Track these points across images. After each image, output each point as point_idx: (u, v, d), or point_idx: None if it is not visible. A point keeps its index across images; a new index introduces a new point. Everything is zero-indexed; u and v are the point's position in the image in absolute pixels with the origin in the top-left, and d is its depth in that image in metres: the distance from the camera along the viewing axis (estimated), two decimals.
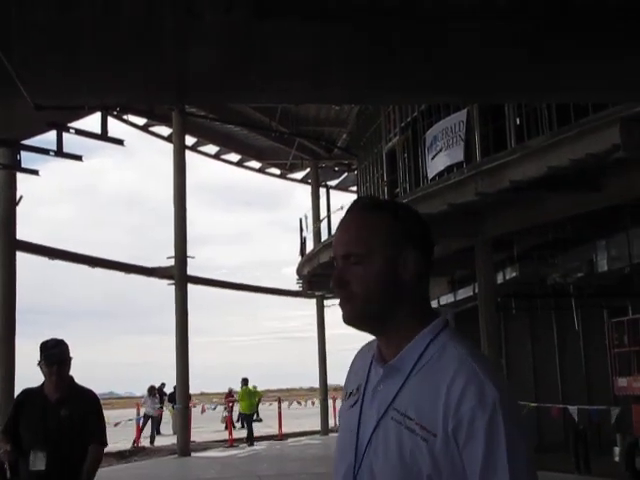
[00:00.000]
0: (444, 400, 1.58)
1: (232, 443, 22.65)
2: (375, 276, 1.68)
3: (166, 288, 20.11)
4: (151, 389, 26.54)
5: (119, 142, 14.93)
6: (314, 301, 26.97)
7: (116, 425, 21.79)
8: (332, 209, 26.66)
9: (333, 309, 25.73)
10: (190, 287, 20.49)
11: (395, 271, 1.70)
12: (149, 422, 25.27)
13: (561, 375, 19.01)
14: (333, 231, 21.95)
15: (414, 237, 1.75)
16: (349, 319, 1.72)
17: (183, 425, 20.25)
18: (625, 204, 11.91)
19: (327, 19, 3.84)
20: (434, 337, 1.69)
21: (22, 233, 15.54)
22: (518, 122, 15.04)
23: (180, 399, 20.46)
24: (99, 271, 19.79)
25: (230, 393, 26.10)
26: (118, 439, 24.42)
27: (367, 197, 1.78)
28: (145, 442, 24.12)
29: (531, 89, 5.50)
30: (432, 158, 17.95)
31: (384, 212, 1.75)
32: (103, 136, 14.41)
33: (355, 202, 1.80)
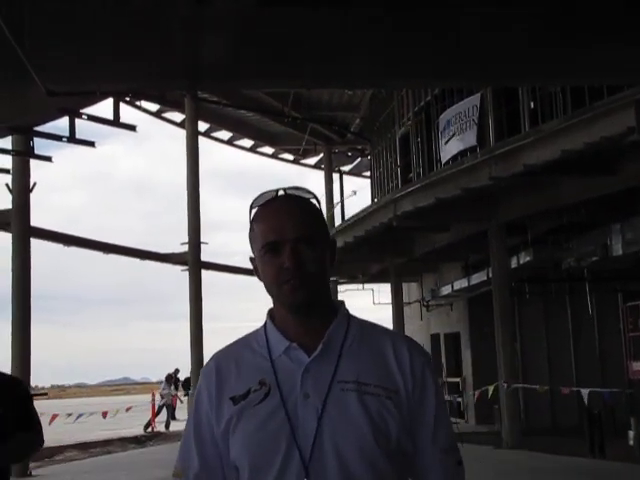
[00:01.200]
0: (396, 362, 1.75)
1: None
2: (322, 258, 1.75)
3: (180, 274, 20.14)
4: (169, 377, 26.69)
5: (131, 128, 14.91)
6: None
7: (128, 410, 21.89)
8: (346, 194, 26.61)
9: (348, 294, 25.79)
10: (204, 273, 20.50)
11: (328, 255, 1.79)
12: (164, 408, 25.46)
13: (575, 359, 18.97)
14: (347, 216, 21.94)
15: (327, 225, 1.86)
16: (304, 301, 1.71)
17: None
18: None
19: (333, 6, 3.83)
20: (349, 319, 1.81)
21: (36, 220, 15.64)
22: (532, 106, 14.96)
23: (195, 385, 20.56)
24: (114, 258, 19.85)
25: None
26: (133, 424, 24.63)
27: (293, 186, 1.79)
28: (160, 427, 24.30)
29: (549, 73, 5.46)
30: (445, 142, 17.91)
31: (313, 201, 1.80)
32: (115, 122, 14.38)
33: (281, 190, 1.78)
